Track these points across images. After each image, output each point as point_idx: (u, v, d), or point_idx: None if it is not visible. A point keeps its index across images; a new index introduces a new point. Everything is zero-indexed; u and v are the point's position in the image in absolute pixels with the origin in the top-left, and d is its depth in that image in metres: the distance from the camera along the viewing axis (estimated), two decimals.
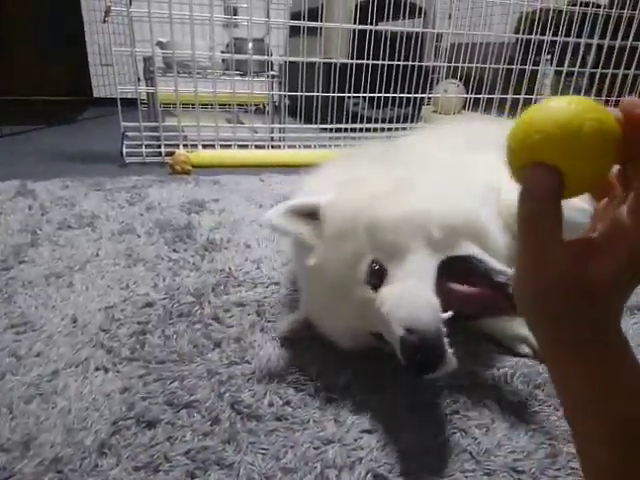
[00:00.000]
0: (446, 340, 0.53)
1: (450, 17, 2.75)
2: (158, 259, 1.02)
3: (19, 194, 1.41)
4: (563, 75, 2.40)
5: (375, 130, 2.35)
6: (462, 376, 0.68)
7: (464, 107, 3.27)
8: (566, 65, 2.36)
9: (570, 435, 0.57)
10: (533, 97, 2.39)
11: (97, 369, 0.68)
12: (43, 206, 1.31)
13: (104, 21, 1.85)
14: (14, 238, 1.10)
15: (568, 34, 2.28)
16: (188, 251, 1.06)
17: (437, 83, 3.24)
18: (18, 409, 0.60)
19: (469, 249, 0.60)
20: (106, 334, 0.76)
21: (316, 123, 2.26)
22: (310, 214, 0.65)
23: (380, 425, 0.60)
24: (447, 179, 0.69)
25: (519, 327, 0.74)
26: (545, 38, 2.30)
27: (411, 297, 0.56)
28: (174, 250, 1.06)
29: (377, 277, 0.59)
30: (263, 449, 0.56)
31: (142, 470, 0.52)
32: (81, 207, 1.32)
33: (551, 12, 2.27)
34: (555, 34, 2.29)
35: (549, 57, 2.45)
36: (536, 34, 2.30)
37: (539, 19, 2.34)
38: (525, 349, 0.74)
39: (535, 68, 2.42)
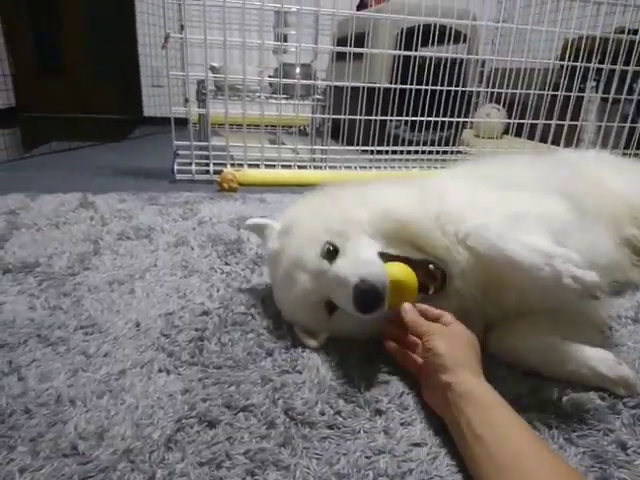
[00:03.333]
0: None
1: (493, 43, 2.78)
2: (212, 271, 1.07)
3: (81, 206, 1.51)
4: (609, 102, 2.38)
5: (416, 152, 2.38)
6: (510, 399, 0.69)
7: (506, 132, 3.27)
8: (612, 92, 2.33)
9: (621, 461, 0.58)
10: (578, 123, 2.37)
11: (160, 370, 0.73)
12: (103, 217, 1.40)
13: (163, 47, 1.97)
14: (78, 247, 1.19)
15: (615, 61, 2.27)
16: (239, 264, 1.11)
17: (478, 107, 3.26)
18: (91, 403, 0.65)
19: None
20: (167, 339, 0.81)
21: (357, 145, 2.31)
22: None
23: (430, 439, 0.62)
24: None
25: (619, 368, 0.71)
26: (591, 65, 2.29)
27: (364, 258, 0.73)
28: (226, 263, 1.12)
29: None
30: (317, 454, 0.59)
31: (206, 465, 0.56)
32: (138, 220, 1.40)
33: (597, 39, 2.27)
34: (602, 61, 2.28)
35: (595, 84, 2.44)
36: (582, 61, 2.30)
37: (585, 46, 2.34)
38: (624, 391, 0.71)
39: (580, 95, 2.40)
